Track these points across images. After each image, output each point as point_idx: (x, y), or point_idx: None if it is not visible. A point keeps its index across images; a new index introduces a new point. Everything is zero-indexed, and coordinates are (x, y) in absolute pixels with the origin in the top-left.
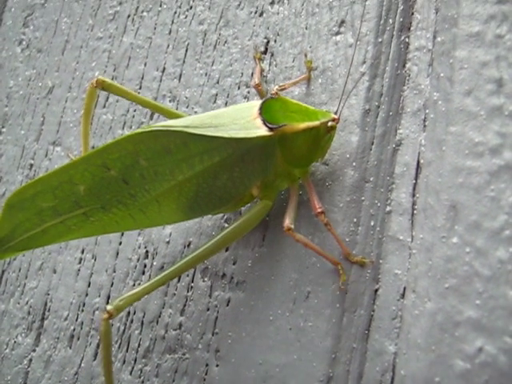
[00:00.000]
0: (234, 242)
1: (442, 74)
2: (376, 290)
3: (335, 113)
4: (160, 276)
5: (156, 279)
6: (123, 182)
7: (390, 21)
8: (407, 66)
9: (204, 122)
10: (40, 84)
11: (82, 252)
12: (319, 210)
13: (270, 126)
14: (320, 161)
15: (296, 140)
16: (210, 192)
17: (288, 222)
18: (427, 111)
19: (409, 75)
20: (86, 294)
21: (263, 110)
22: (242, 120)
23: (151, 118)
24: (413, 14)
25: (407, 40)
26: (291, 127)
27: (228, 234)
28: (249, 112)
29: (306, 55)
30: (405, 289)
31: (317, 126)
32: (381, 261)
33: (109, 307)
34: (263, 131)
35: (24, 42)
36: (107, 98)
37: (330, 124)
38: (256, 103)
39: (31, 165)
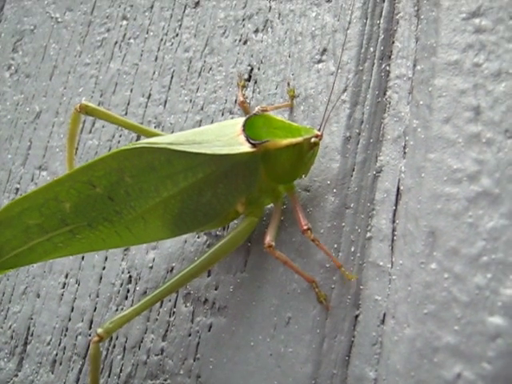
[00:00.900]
0: (222, 258)
1: (421, 102)
2: (356, 316)
3: (318, 129)
4: (150, 296)
5: (145, 300)
6: (109, 199)
7: (371, 49)
8: (388, 93)
9: (188, 138)
10: (27, 109)
11: (66, 277)
12: (305, 227)
13: (253, 142)
14: (304, 177)
15: (279, 156)
16: (195, 209)
17: (269, 239)
18: (407, 138)
19: (389, 103)
20: (69, 319)
21: (247, 127)
22: (226, 137)
23: None
24: (393, 42)
25: (388, 68)
26: (274, 143)
27: (216, 251)
28: (232, 129)
29: (288, 84)
30: (385, 315)
31: (300, 142)
32: (361, 287)
33: (99, 330)
34: (246, 147)
35: (13, 67)
36: (93, 123)
37: (313, 140)
38: (240, 120)
39: (17, 189)
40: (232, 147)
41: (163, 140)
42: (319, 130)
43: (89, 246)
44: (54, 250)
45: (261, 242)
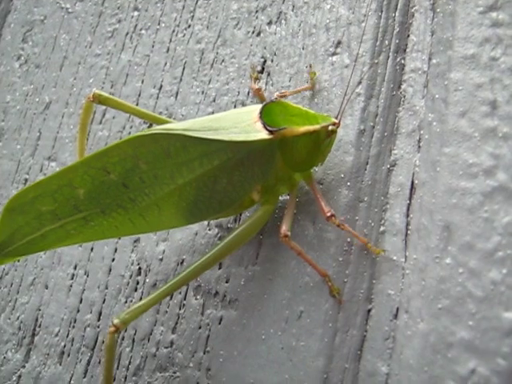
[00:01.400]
0: (239, 246)
1: (436, 96)
2: (369, 310)
3: (336, 117)
4: (166, 286)
5: (162, 290)
6: (123, 186)
7: (386, 42)
8: (402, 87)
9: (204, 125)
10: (37, 99)
11: (75, 268)
12: (329, 214)
13: (270, 129)
14: (320, 165)
15: (296, 143)
16: (210, 196)
17: (285, 228)
18: (422, 132)
19: (404, 96)
20: (78, 311)
21: (263, 114)
22: (243, 123)
23: None
24: (408, 36)
25: (403, 61)
26: (291, 130)
27: (232, 238)
28: (249, 116)
29: (310, 66)
30: (398, 309)
31: (317, 129)
32: (374, 281)
33: (115, 321)
34: (263, 134)
35: (22, 58)
36: (103, 114)
37: (330, 128)
38: (256, 107)
39: (26, 179)
40: (249, 134)
41: (179, 126)
42: (339, 110)
43: (101, 233)
44: (67, 236)
45: (273, 235)
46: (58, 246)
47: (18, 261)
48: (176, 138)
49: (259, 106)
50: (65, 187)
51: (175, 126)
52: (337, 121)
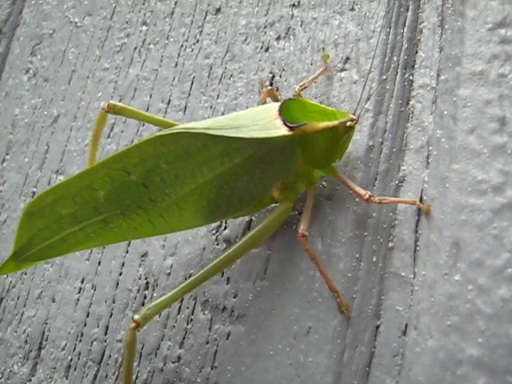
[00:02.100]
0: (260, 242)
1: (445, 112)
2: (377, 327)
3: (353, 114)
4: (188, 281)
5: (184, 285)
6: (143, 187)
7: (395, 58)
8: (411, 103)
9: (224, 123)
10: (45, 112)
11: (82, 282)
12: (367, 196)
13: (290, 125)
14: (338, 161)
15: (316, 139)
16: (230, 194)
17: (303, 227)
18: (430, 148)
19: (412, 112)
20: (85, 324)
21: (282, 111)
22: (263, 121)
23: None
24: (417, 52)
25: (411, 78)
26: (311, 126)
27: (253, 235)
28: (268, 113)
29: (323, 49)
30: (406, 325)
31: (336, 125)
32: (382, 297)
33: (136, 316)
34: (284, 131)
35: (31, 71)
36: (112, 128)
37: (348, 124)
38: (275, 105)
39: (34, 192)
40: (269, 131)
41: (199, 125)
42: (357, 107)
43: (121, 235)
44: (86, 240)
45: (281, 250)
46: (78, 249)
47: (26, 274)
48: (197, 137)
49: (277, 104)
50: (85, 189)
51: (196, 125)
52: (355, 117)
